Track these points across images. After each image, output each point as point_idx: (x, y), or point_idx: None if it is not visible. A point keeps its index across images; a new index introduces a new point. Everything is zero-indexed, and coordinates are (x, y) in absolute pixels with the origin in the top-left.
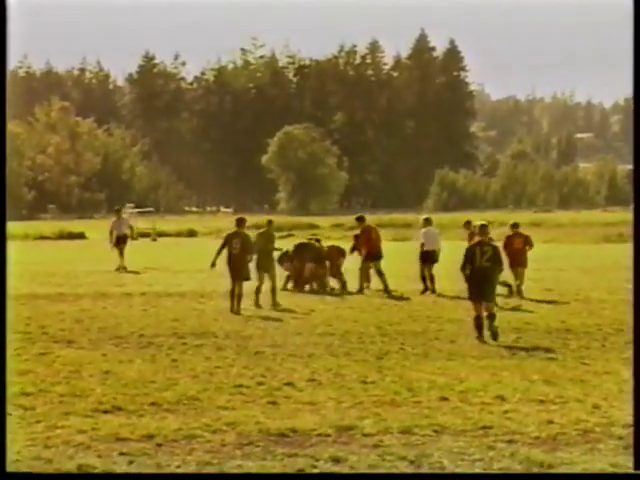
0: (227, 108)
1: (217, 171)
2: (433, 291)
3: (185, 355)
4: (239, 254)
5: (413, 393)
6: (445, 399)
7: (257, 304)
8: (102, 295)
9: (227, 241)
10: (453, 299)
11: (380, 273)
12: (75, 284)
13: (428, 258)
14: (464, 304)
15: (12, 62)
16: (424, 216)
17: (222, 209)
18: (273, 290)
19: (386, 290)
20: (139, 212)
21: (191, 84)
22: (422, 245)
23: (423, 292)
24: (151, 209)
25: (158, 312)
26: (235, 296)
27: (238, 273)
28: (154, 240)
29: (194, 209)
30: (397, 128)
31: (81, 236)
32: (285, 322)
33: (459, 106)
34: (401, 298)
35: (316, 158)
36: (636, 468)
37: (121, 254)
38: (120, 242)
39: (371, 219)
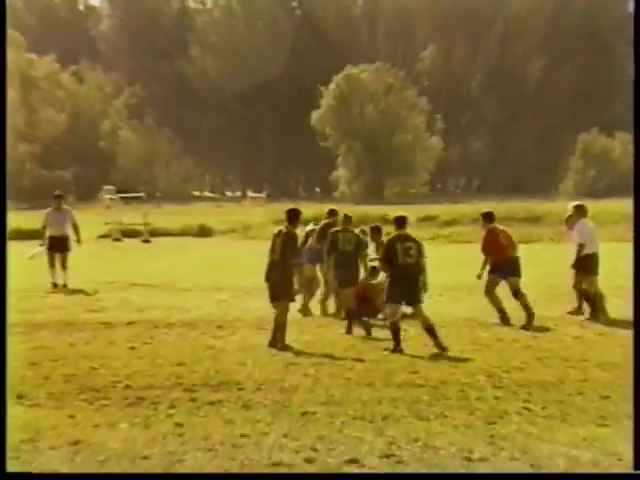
0: (259, 42)
1: (243, 137)
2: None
3: (195, 417)
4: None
5: None
6: None
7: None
8: (69, 325)
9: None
10: (602, 334)
11: (517, 293)
12: (30, 308)
13: (589, 265)
14: (623, 338)
15: None
16: (575, 203)
17: (250, 194)
18: None
19: (529, 321)
20: (123, 198)
21: (203, 3)
22: (580, 247)
23: (578, 313)
24: (142, 194)
25: (154, 351)
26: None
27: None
28: (146, 242)
29: (207, 194)
30: (518, 71)
31: (38, 235)
32: (348, 366)
33: (614, 32)
34: (536, 329)
35: (394, 116)
36: (636, 468)
37: (53, 265)
38: (57, 246)
39: (475, 209)
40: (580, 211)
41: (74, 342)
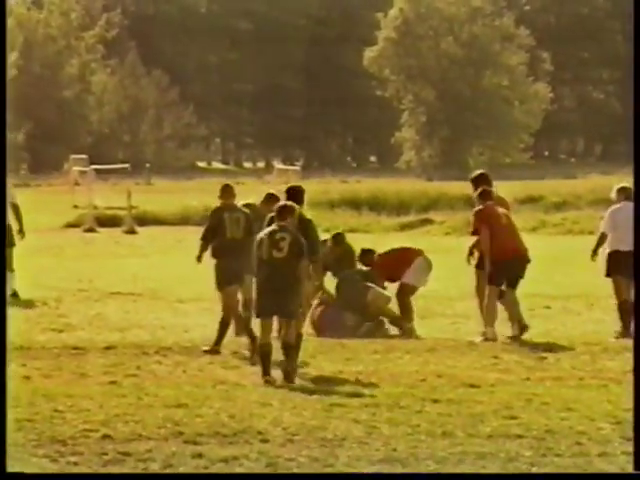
0: None
1: (266, 84)
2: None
3: None
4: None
5: None
6: None
7: None
8: (21, 350)
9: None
10: None
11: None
12: None
13: (620, 263)
14: None
15: None
16: (620, 185)
17: (277, 165)
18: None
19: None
20: (99, 171)
21: None
22: (607, 239)
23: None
24: (126, 166)
25: (141, 388)
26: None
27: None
28: (131, 233)
29: (217, 165)
30: None
31: None
32: (415, 408)
33: None
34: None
35: (482, 53)
36: (636, 468)
37: None
38: None
39: (597, 186)
40: (622, 193)
41: (29, 374)
